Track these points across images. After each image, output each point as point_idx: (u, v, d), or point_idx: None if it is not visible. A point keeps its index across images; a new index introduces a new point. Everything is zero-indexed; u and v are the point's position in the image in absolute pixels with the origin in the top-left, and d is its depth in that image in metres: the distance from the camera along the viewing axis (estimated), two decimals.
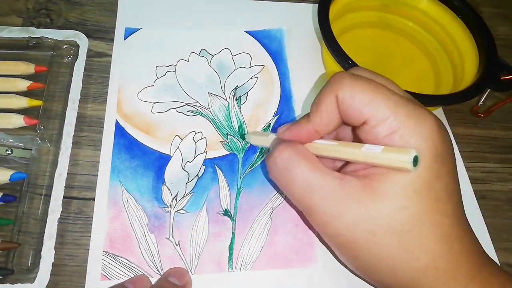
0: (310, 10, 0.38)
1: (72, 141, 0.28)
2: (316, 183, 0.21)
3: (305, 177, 0.21)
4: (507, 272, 0.22)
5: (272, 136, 0.26)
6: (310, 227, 0.28)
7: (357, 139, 0.22)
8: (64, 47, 0.32)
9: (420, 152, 0.19)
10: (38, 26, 0.33)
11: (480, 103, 0.36)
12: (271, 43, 0.36)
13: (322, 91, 0.22)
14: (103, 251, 0.25)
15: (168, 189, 0.28)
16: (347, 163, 0.23)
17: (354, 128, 0.22)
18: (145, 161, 0.29)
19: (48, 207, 0.25)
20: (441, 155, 0.20)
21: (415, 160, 0.18)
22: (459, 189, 0.21)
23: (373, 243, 0.20)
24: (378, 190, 0.20)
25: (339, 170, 0.23)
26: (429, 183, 0.19)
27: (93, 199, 0.27)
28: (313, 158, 0.22)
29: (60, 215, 0.25)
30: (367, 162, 0.20)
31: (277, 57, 0.35)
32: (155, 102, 0.31)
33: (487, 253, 0.29)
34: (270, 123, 0.32)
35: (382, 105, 0.20)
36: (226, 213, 0.28)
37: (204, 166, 0.29)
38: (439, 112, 0.35)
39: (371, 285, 0.25)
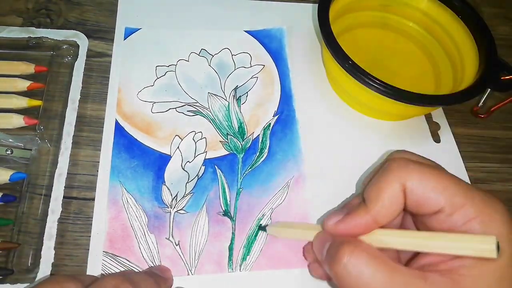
0: (310, 10, 0.38)
1: (72, 141, 0.28)
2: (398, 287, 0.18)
3: (385, 282, 0.18)
4: None
5: (314, 228, 0.23)
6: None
7: (423, 227, 0.21)
8: (64, 47, 0.32)
9: (504, 238, 0.18)
10: (38, 26, 0.33)
11: (481, 103, 0.35)
12: (271, 43, 0.36)
13: (382, 178, 0.20)
14: (103, 251, 0.25)
15: (168, 189, 0.28)
16: (415, 255, 0.21)
17: (418, 217, 0.21)
18: (145, 161, 0.29)
19: (48, 207, 0.25)
20: None
21: (498, 246, 0.18)
22: None
23: None
24: (471, 285, 0.18)
25: (407, 264, 0.22)
26: None
27: (93, 199, 0.27)
28: (386, 257, 0.19)
29: (60, 215, 0.25)
30: (447, 253, 0.19)
31: (277, 56, 0.35)
32: (155, 102, 0.31)
33: None
34: (270, 123, 0.32)
35: (457, 191, 0.19)
36: (226, 213, 0.28)
37: (204, 166, 0.29)
38: (439, 112, 0.35)
39: None
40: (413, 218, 0.23)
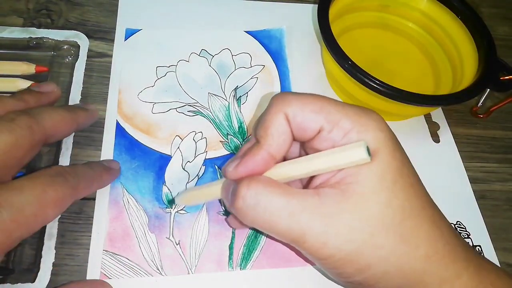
0: (310, 10, 0.39)
1: (72, 141, 0.28)
2: (297, 208, 0.20)
3: (283, 206, 0.20)
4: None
5: (218, 183, 0.23)
6: (306, 260, 0.26)
7: (312, 152, 0.21)
8: (65, 47, 0.32)
9: (381, 141, 0.20)
10: (39, 27, 0.33)
11: (480, 103, 0.36)
12: (271, 43, 0.36)
13: (267, 113, 0.21)
14: (103, 250, 0.25)
15: (169, 189, 0.28)
16: (310, 179, 0.22)
17: (306, 143, 0.22)
18: (146, 162, 0.29)
19: None
20: (397, 143, 0.21)
21: (368, 150, 0.19)
22: None
23: (374, 246, 0.19)
24: (358, 190, 0.19)
25: (306, 187, 0.22)
26: (400, 170, 0.20)
27: (94, 199, 0.27)
28: (280, 184, 0.21)
29: (61, 215, 0.26)
30: (329, 169, 0.20)
31: (277, 57, 0.35)
32: (155, 103, 0.31)
33: (486, 252, 0.29)
34: None
35: (332, 109, 0.20)
36: (226, 213, 0.28)
37: (204, 166, 0.29)
38: (438, 112, 0.35)
39: None
40: (304, 148, 0.23)
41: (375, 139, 0.20)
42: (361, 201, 0.19)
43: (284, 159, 0.22)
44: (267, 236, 0.27)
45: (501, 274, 0.21)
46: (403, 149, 0.21)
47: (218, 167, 0.29)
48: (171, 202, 0.27)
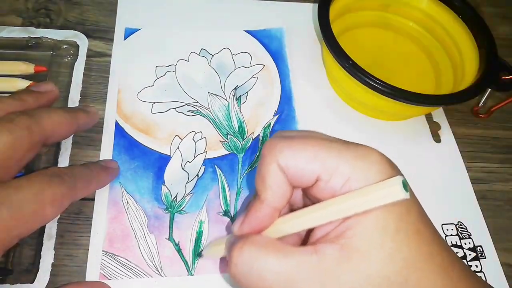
0: (310, 10, 0.38)
1: (71, 141, 0.28)
2: (293, 270, 0.18)
3: (278, 270, 0.18)
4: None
5: (227, 240, 0.22)
6: None
7: (314, 199, 0.20)
8: (64, 47, 0.32)
9: None
10: (38, 26, 0.33)
11: (481, 103, 0.35)
12: (271, 43, 0.36)
13: (261, 164, 0.20)
14: (103, 251, 0.25)
15: (168, 189, 0.28)
16: (309, 232, 0.20)
17: (306, 191, 0.20)
18: (145, 162, 0.28)
19: None
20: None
21: (405, 185, 0.16)
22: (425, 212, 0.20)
23: None
24: (359, 246, 0.18)
25: (305, 240, 0.21)
26: (405, 217, 0.18)
27: (93, 200, 0.26)
28: (276, 243, 0.19)
29: (60, 215, 0.25)
30: (352, 212, 0.18)
31: (277, 56, 0.35)
32: (155, 102, 0.31)
33: (487, 252, 0.29)
34: (270, 123, 0.32)
35: (328, 155, 0.19)
36: (226, 213, 0.28)
37: (204, 166, 0.29)
38: (439, 112, 0.35)
39: None
40: (305, 194, 0.22)
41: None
42: (362, 258, 0.18)
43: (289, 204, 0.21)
44: None
45: None
46: (410, 189, 0.19)
47: (217, 167, 0.29)
48: (199, 255, 0.26)
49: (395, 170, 0.19)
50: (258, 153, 0.30)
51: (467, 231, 0.30)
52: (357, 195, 0.17)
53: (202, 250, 0.26)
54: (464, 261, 0.28)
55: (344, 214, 0.18)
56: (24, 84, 0.29)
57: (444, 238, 0.29)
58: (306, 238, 0.21)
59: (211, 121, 0.31)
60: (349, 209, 0.18)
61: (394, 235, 0.18)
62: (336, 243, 0.18)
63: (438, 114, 0.35)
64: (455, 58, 0.35)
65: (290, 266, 0.18)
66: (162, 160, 0.29)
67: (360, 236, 0.18)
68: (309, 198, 0.21)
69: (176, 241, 0.26)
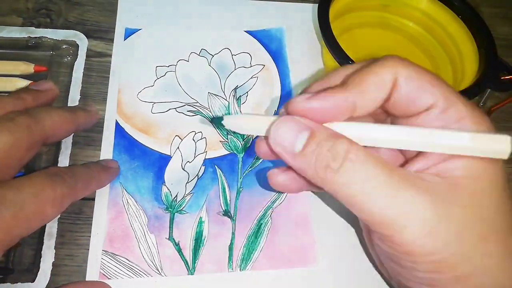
0: (310, 10, 0.38)
1: (72, 141, 0.28)
2: (401, 185, 0.16)
3: (385, 181, 0.16)
4: None
5: (274, 117, 0.18)
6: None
7: None
8: (64, 47, 0.32)
9: None
10: (38, 26, 0.33)
11: (481, 104, 0.35)
12: (271, 43, 0.36)
13: (373, 66, 0.17)
14: (103, 250, 0.25)
15: (168, 189, 0.28)
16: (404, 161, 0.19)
17: (401, 119, 0.18)
18: (145, 162, 0.29)
19: None
20: None
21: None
22: None
23: (483, 252, 0.17)
24: (470, 187, 0.17)
25: None
26: (507, 179, 0.18)
27: (93, 199, 0.27)
28: (378, 156, 0.17)
29: (60, 215, 0.25)
30: (452, 152, 0.17)
31: (277, 56, 0.35)
32: (155, 102, 0.31)
33: None
34: None
35: (451, 90, 0.18)
36: (226, 213, 0.28)
37: (204, 166, 0.29)
38: None
39: None
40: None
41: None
42: (474, 199, 0.17)
43: None
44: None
45: None
46: None
47: (217, 167, 0.29)
48: (217, 120, 0.22)
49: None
50: None
51: None
52: (469, 138, 0.16)
53: (220, 117, 0.22)
54: None
55: (450, 151, 0.17)
56: (24, 84, 0.29)
57: None
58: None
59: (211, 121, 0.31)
60: (456, 148, 0.17)
61: (502, 191, 0.17)
62: (443, 177, 0.17)
63: None
64: (455, 58, 0.35)
65: (397, 180, 0.16)
66: (162, 160, 0.29)
67: (471, 179, 0.17)
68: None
69: (176, 241, 0.26)
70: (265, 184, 0.28)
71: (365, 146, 0.17)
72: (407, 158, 0.20)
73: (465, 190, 0.17)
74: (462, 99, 0.18)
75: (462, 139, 0.16)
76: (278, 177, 0.20)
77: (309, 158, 0.17)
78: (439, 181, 0.17)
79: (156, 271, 0.25)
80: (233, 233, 0.27)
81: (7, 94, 0.29)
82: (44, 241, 0.25)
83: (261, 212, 0.28)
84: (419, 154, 0.18)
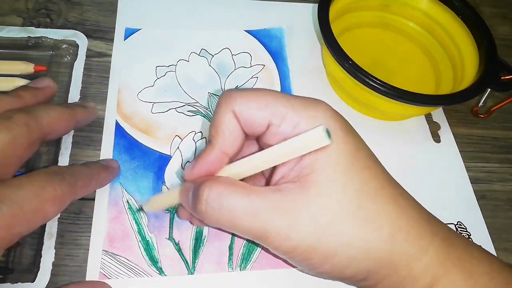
0: (310, 10, 0.38)
1: (71, 141, 0.28)
2: (259, 205, 0.20)
3: (246, 205, 0.20)
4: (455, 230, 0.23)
5: (175, 187, 0.23)
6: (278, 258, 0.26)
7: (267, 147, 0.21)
8: (64, 46, 0.32)
9: (331, 129, 0.19)
10: (38, 26, 0.33)
11: (481, 103, 0.35)
12: (271, 43, 0.36)
13: (216, 113, 0.21)
14: (103, 250, 0.25)
15: (168, 189, 0.28)
16: (270, 176, 0.22)
17: (260, 141, 0.22)
18: (145, 162, 0.29)
19: None
20: (349, 129, 0.21)
21: (327, 132, 0.18)
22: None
23: (336, 233, 0.20)
24: (315, 180, 0.20)
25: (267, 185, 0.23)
26: (354, 155, 0.20)
27: (93, 199, 0.27)
28: (241, 183, 0.21)
29: (60, 215, 0.25)
30: (289, 157, 0.20)
31: (277, 56, 0.35)
32: (155, 102, 0.31)
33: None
34: None
35: (278, 103, 0.20)
36: None
37: None
38: (439, 112, 0.35)
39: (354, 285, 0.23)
40: (260, 146, 0.23)
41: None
42: (318, 189, 0.20)
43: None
44: (233, 234, 0.27)
45: (469, 248, 0.22)
46: (356, 133, 0.21)
47: None
48: (141, 209, 0.26)
49: (343, 119, 0.21)
50: None
51: (466, 231, 0.30)
52: (289, 144, 0.19)
53: (140, 207, 0.26)
54: None
55: (281, 160, 0.20)
56: (23, 84, 0.29)
57: None
58: (267, 183, 0.23)
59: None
60: (284, 155, 0.20)
61: (346, 170, 0.20)
62: (296, 182, 0.20)
63: (438, 114, 0.35)
64: (455, 58, 0.35)
65: (256, 201, 0.20)
66: (162, 160, 0.29)
67: (316, 172, 0.20)
68: (263, 149, 0.22)
69: (176, 241, 0.26)
70: None
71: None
72: (266, 175, 0.24)
73: (311, 185, 0.20)
74: (296, 106, 0.20)
75: (283, 148, 0.20)
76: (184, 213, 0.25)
77: (194, 209, 0.21)
78: (293, 187, 0.20)
79: (156, 271, 0.25)
80: (233, 233, 0.27)
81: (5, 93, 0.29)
82: (44, 241, 0.24)
83: None
84: (273, 168, 0.21)
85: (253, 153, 0.21)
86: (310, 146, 0.19)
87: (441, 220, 0.22)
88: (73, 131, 0.28)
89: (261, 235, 0.20)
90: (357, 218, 0.20)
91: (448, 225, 0.30)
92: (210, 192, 0.20)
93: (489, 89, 0.34)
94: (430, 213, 0.22)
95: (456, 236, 0.22)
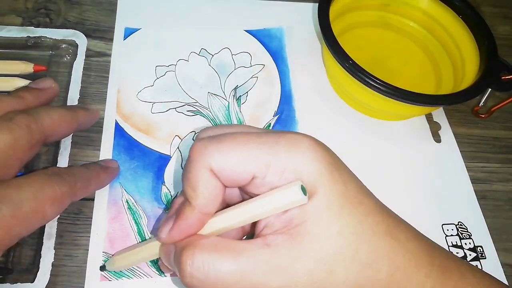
0: (310, 10, 0.38)
1: (71, 141, 0.28)
2: (249, 267, 0.18)
3: (234, 269, 0.18)
4: (452, 253, 0.22)
5: (155, 244, 0.22)
6: None
7: (252, 195, 0.20)
8: (63, 46, 0.32)
9: (317, 172, 0.18)
10: (38, 26, 0.33)
11: (481, 103, 0.35)
12: (271, 42, 0.36)
13: (190, 170, 0.19)
14: (103, 252, 0.25)
15: (168, 189, 0.28)
16: (254, 224, 0.21)
17: (243, 188, 0.20)
18: (145, 162, 0.28)
19: None
20: (335, 164, 0.19)
21: (303, 190, 0.18)
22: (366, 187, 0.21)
23: (335, 282, 0.18)
24: (308, 231, 0.18)
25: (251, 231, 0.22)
26: (345, 193, 0.19)
27: (93, 200, 0.26)
28: (225, 242, 0.19)
29: (60, 215, 0.25)
30: (268, 214, 0.19)
31: (277, 56, 0.35)
32: (154, 102, 0.31)
33: (487, 252, 0.29)
34: (270, 123, 0.32)
35: (260, 152, 0.19)
36: None
37: None
38: (440, 112, 0.35)
39: None
40: (241, 190, 0.22)
41: (311, 173, 0.18)
42: (312, 240, 0.18)
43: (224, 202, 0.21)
44: None
45: (465, 272, 0.21)
46: (342, 165, 0.20)
47: None
48: (102, 268, 0.24)
49: (327, 153, 0.19)
50: None
51: (467, 231, 0.30)
52: (265, 201, 0.18)
53: (103, 265, 0.24)
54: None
55: (258, 217, 0.19)
56: (23, 83, 0.29)
57: (445, 239, 0.29)
58: (251, 229, 0.22)
59: (211, 121, 0.31)
60: (268, 211, 0.19)
61: (339, 212, 0.18)
62: (286, 233, 0.18)
63: (438, 114, 0.35)
64: (456, 57, 0.35)
65: (245, 264, 0.18)
66: (162, 160, 0.29)
67: (308, 222, 0.18)
68: (246, 193, 0.21)
69: None
70: None
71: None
72: (247, 229, 0.23)
73: (303, 237, 0.18)
74: (279, 152, 0.19)
75: (267, 203, 0.19)
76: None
77: (180, 278, 0.19)
78: (282, 241, 0.18)
79: (156, 271, 0.25)
80: None
81: (6, 93, 0.29)
82: (43, 241, 0.24)
83: None
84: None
85: (234, 203, 0.20)
86: (287, 203, 0.18)
87: (436, 243, 0.22)
88: None
89: None
90: (355, 263, 0.18)
91: (449, 225, 0.30)
92: (194, 262, 0.18)
93: (489, 89, 0.34)
94: (426, 237, 0.21)
95: (453, 261, 0.21)
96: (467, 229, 0.30)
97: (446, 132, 0.34)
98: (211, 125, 0.31)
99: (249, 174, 0.19)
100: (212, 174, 0.19)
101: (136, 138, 0.29)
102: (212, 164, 0.19)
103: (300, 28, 0.37)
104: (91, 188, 0.25)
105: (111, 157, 0.28)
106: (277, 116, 0.32)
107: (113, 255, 0.25)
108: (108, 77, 0.31)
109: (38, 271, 0.24)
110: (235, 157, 0.19)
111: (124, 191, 0.27)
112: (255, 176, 0.19)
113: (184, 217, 0.19)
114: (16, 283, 0.23)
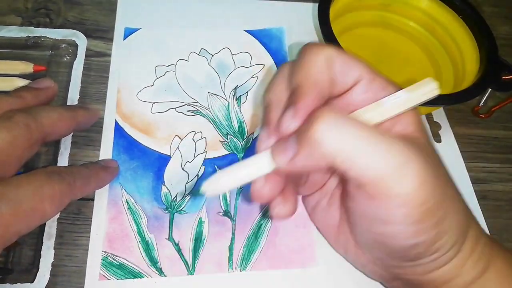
0: (310, 10, 0.38)
1: (71, 141, 0.28)
2: (377, 139, 0.17)
3: (371, 127, 0.17)
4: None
5: (259, 156, 0.20)
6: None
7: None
8: (63, 46, 0.32)
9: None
10: (37, 26, 0.33)
11: (481, 103, 0.35)
12: (271, 42, 0.36)
13: (304, 57, 0.19)
14: (102, 251, 0.25)
15: (168, 189, 0.28)
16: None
17: (333, 102, 0.20)
18: (145, 162, 0.28)
19: None
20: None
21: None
22: None
23: (450, 197, 0.19)
24: (422, 140, 0.20)
25: None
26: (431, 144, 0.20)
27: (92, 200, 0.26)
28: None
29: (59, 215, 0.25)
30: (402, 111, 0.20)
31: (277, 56, 0.35)
32: (154, 102, 0.31)
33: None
34: None
35: (368, 64, 0.20)
36: (226, 213, 0.27)
37: (204, 166, 0.29)
38: (440, 112, 0.35)
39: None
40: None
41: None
42: (427, 149, 0.19)
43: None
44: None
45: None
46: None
47: (217, 167, 0.29)
48: (195, 193, 0.23)
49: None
50: None
51: None
52: (405, 91, 0.20)
53: (192, 190, 0.23)
54: None
55: (398, 110, 0.20)
56: (23, 83, 0.29)
57: None
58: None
59: (211, 121, 0.31)
60: (402, 104, 0.20)
61: (433, 151, 0.20)
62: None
63: (439, 114, 0.35)
64: (456, 57, 0.35)
65: (380, 130, 0.18)
66: (162, 160, 0.29)
67: (418, 133, 0.20)
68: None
69: (176, 241, 0.26)
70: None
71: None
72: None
73: (420, 142, 0.19)
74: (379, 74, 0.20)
75: (401, 96, 0.20)
76: (263, 188, 0.20)
77: (303, 145, 0.18)
78: (406, 137, 0.19)
79: (156, 271, 0.25)
80: (233, 234, 0.27)
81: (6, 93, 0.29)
82: (43, 241, 0.24)
83: (261, 213, 0.28)
84: None
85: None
86: (420, 94, 0.19)
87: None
88: None
89: (391, 176, 0.17)
90: (454, 189, 0.20)
91: None
92: (329, 114, 0.17)
93: (490, 89, 0.34)
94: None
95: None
96: None
97: (446, 132, 0.34)
98: (211, 125, 0.31)
99: (357, 73, 0.20)
100: (326, 63, 0.19)
101: (136, 138, 0.29)
102: (327, 52, 0.19)
103: (300, 28, 0.37)
104: (90, 187, 0.25)
105: (111, 157, 0.28)
106: None
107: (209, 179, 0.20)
108: (108, 77, 0.31)
109: (38, 271, 0.24)
110: (349, 55, 0.20)
111: (124, 191, 0.27)
112: (361, 77, 0.20)
113: (301, 98, 0.18)
114: (16, 283, 0.23)
